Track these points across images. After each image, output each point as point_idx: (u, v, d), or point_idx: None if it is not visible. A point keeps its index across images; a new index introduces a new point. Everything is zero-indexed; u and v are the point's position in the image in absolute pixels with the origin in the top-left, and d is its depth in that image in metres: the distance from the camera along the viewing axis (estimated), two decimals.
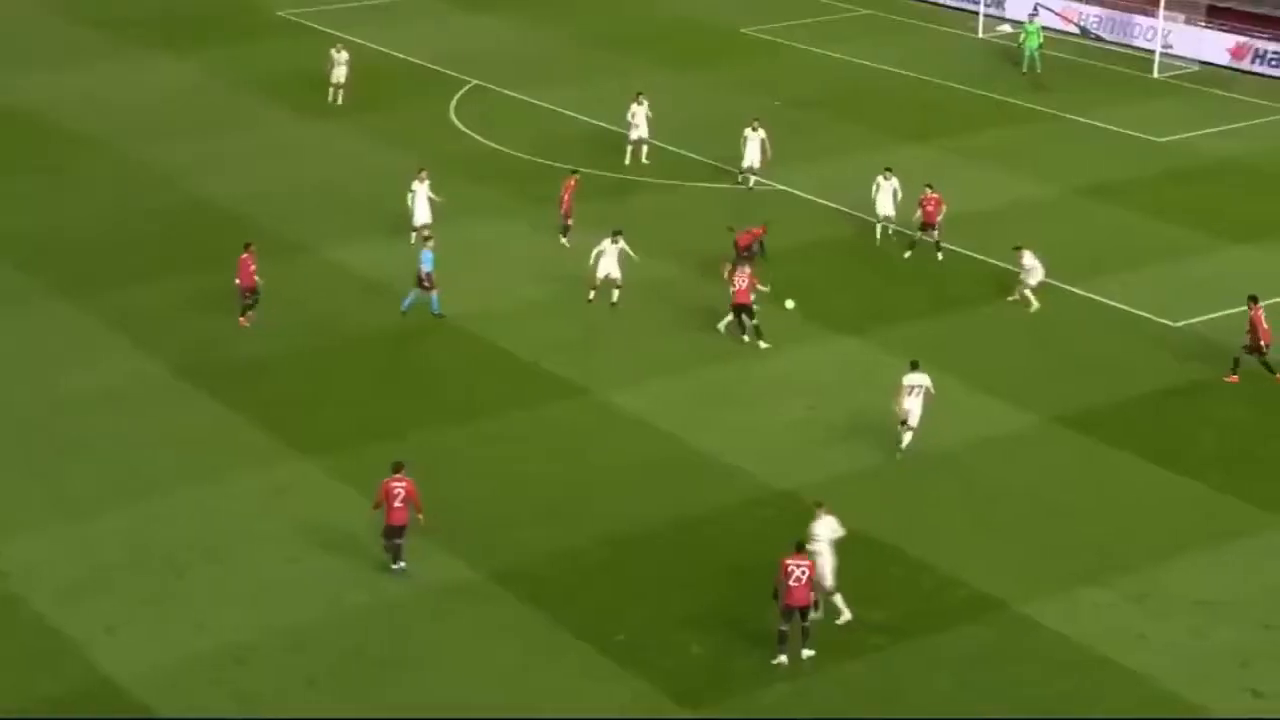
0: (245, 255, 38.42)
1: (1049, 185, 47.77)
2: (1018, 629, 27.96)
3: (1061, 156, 50.65)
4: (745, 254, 40.44)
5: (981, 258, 42.57)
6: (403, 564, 29.19)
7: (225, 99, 56.26)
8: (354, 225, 45.09)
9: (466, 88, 57.50)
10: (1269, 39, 59.96)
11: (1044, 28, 60.72)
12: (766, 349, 37.72)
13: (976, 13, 65.10)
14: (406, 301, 39.46)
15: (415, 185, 43.08)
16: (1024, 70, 58.60)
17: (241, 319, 38.45)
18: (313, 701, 26.27)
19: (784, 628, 26.99)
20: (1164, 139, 52.55)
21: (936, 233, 42.37)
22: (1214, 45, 60.41)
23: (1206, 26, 61.35)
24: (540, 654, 27.45)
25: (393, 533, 29.15)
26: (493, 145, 51.89)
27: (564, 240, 43.86)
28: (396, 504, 28.93)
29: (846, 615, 27.80)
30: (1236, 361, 36.23)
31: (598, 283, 39.93)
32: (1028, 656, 27.32)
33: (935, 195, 42.45)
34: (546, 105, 55.68)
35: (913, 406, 33.08)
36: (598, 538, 30.62)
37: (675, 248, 42.71)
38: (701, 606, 28.43)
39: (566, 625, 28.02)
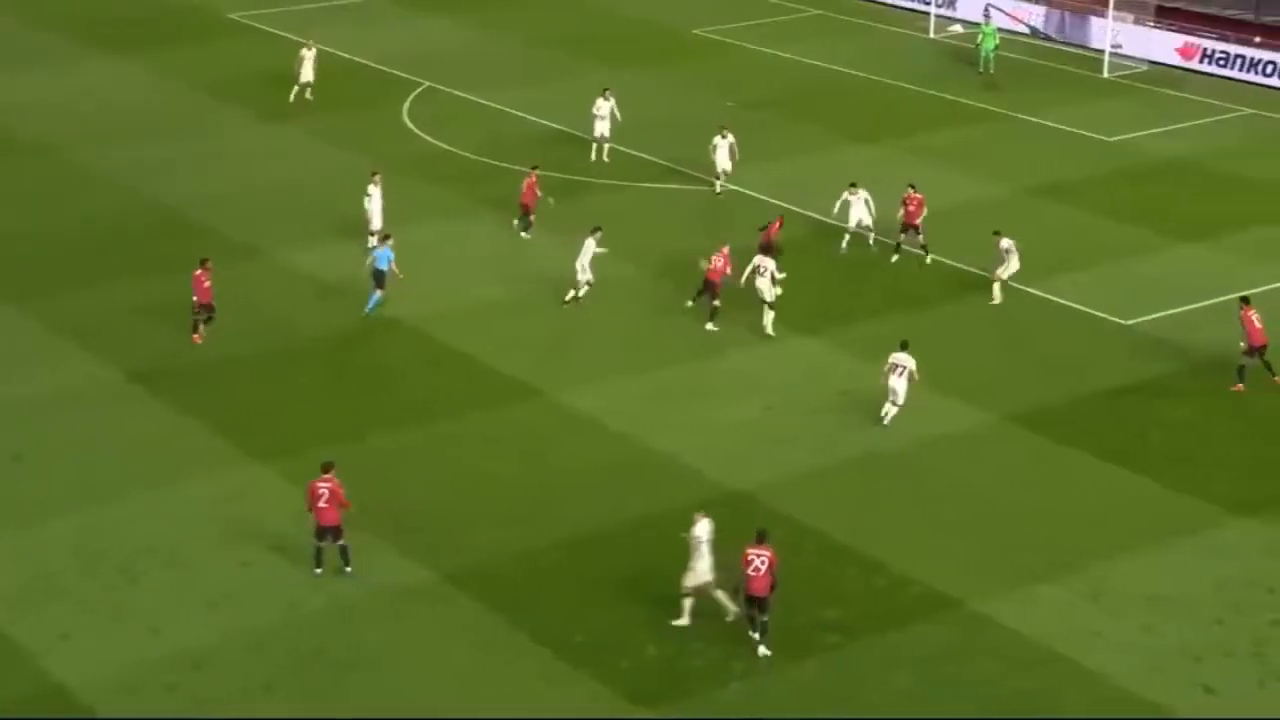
0: (200, 272, 38.10)
1: (1000, 185, 48.11)
2: (973, 627, 28.18)
3: (1013, 156, 51.01)
4: (769, 248, 40.31)
5: (935, 257, 42.82)
6: (349, 568, 29.13)
7: (175, 102, 56.05)
8: (308, 228, 45.00)
9: (419, 89, 57.46)
10: (1217, 38, 60.55)
11: (999, 29, 61.15)
12: (713, 331, 38.41)
13: (928, 13, 65.49)
14: (372, 303, 39.51)
15: (370, 188, 43.05)
16: (980, 70, 58.95)
17: (195, 335, 38.21)
18: (271, 706, 26.24)
19: (750, 613, 27.53)
20: (1114, 139, 52.99)
21: (920, 235, 42.45)
22: (1163, 45, 60.94)
23: (1155, 26, 61.89)
24: (497, 656, 27.50)
25: (320, 533, 29.14)
26: (445, 147, 51.88)
27: (524, 234, 44.23)
28: (320, 504, 28.95)
29: (732, 610, 27.83)
30: (1241, 370, 36.23)
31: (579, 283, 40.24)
32: (983, 654, 27.53)
33: (918, 196, 42.61)
34: (499, 106, 55.71)
35: (897, 385, 34.18)
36: (555, 539, 30.69)
37: (629, 248, 42.78)
38: (658, 608, 28.52)
39: (524, 627, 28.08)
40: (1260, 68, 58.66)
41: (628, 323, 39.85)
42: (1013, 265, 40.38)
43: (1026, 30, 64.17)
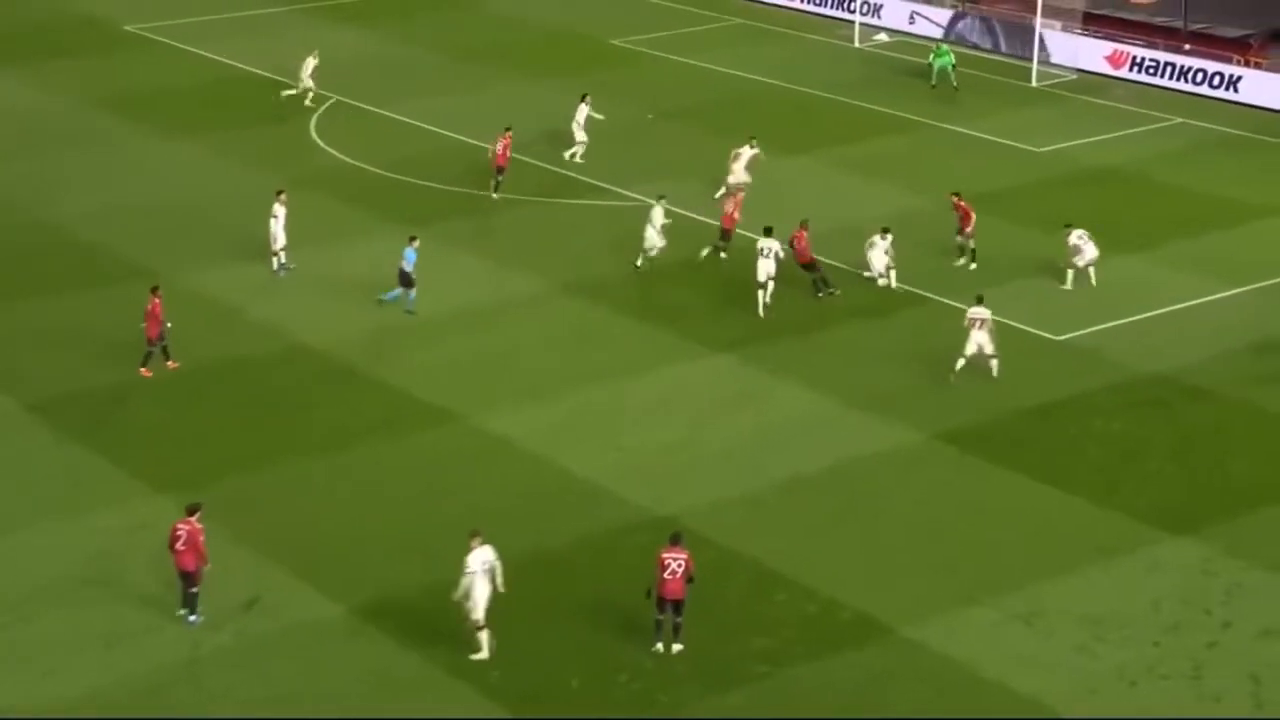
0: (157, 301, 37.47)
1: (927, 196, 48.41)
2: (904, 652, 28.28)
3: (939, 167, 51.37)
4: (808, 267, 41.49)
5: (861, 273, 43.01)
6: (195, 616, 28.58)
7: (70, 117, 55.53)
8: (210, 249, 44.66)
9: (327, 103, 57.20)
10: (1146, 46, 61.31)
11: (924, 37, 61.68)
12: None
13: (852, 22, 65.90)
14: (391, 295, 40.39)
15: (276, 207, 42.80)
16: (933, 84, 59.23)
17: (143, 369, 37.65)
18: None
19: (659, 617, 27.72)
20: (1043, 149, 53.51)
21: (971, 241, 43.46)
22: (1091, 53, 61.63)
23: (1084, 34, 62.58)
24: (411, 693, 27.28)
25: (181, 579, 28.58)
26: (355, 163, 51.67)
27: (494, 195, 47.49)
28: (178, 546, 28.33)
29: (484, 654, 27.65)
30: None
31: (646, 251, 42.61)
32: (914, 681, 27.61)
33: (965, 204, 43.53)
34: (411, 120, 55.56)
35: (982, 340, 36.68)
36: None
37: (544, 265, 42.75)
38: (580, 640, 28.44)
39: (438, 663, 27.90)
40: (1190, 76, 59.46)
41: (545, 343, 39.79)
42: (1089, 253, 41.79)
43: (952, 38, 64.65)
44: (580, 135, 51.21)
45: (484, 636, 27.72)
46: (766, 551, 31.07)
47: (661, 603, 27.75)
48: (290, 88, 56.32)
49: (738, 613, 29.25)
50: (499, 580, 27.91)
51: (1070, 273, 42.18)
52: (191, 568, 28.47)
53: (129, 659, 27.87)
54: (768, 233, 40.75)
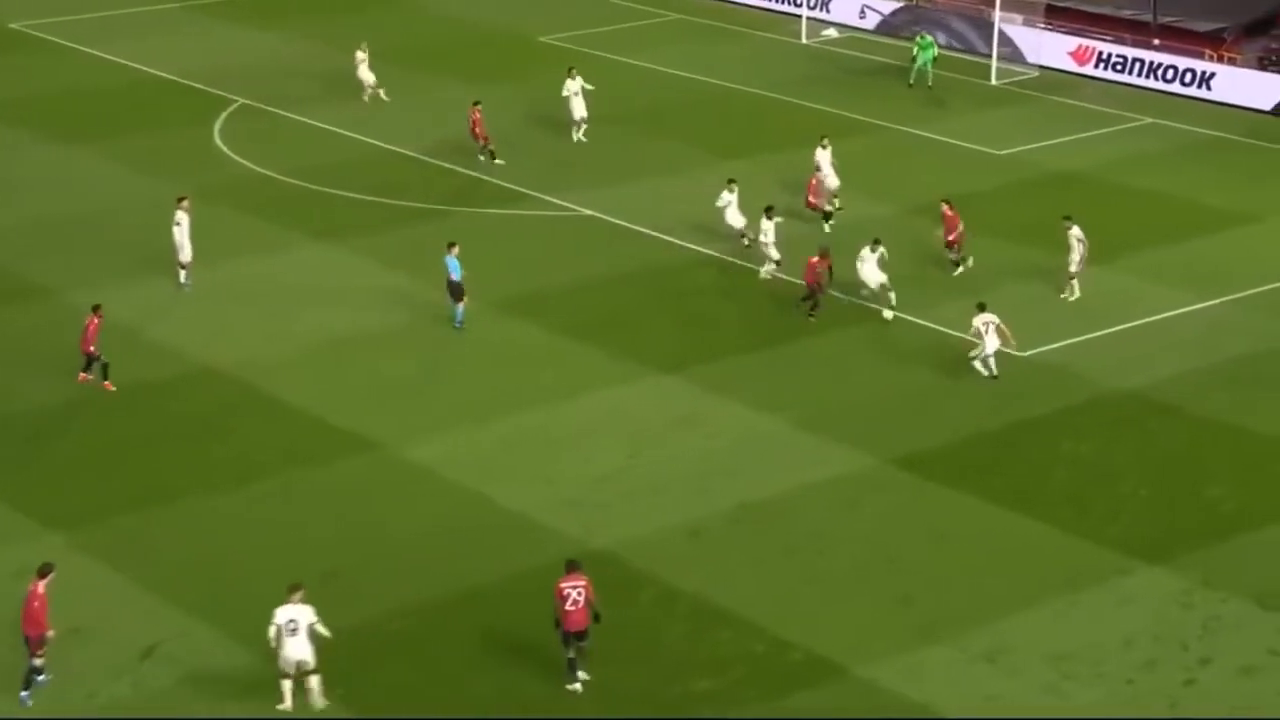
0: (97, 320, 37.56)
1: (881, 204, 48.66)
2: (858, 694, 28.31)
3: (894, 172, 51.67)
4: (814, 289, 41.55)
5: (847, 297, 43.04)
6: (43, 677, 27.97)
7: None
8: (105, 264, 44.41)
9: (232, 107, 57.02)
10: (1113, 41, 61.84)
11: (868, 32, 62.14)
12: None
13: (799, 17, 66.19)
14: (456, 315, 40.76)
15: (179, 215, 42.57)
16: (910, 83, 59.61)
17: (106, 383, 37.70)
18: None
19: (571, 655, 27.86)
20: (1003, 151, 53.89)
21: (957, 250, 43.94)
22: (1055, 49, 62.13)
23: (1046, 28, 63.08)
24: None
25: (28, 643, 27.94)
26: (264, 171, 51.49)
27: (496, 160, 50.72)
28: (32, 606, 27.66)
29: (286, 705, 27.48)
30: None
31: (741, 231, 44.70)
32: None
33: (954, 213, 43.89)
34: (324, 126, 55.43)
35: (994, 342, 38.14)
36: (391, 610, 30.40)
37: (470, 279, 42.56)
38: (507, 681, 28.37)
39: (357, 707, 27.77)
40: (1160, 73, 60.03)
41: (471, 364, 39.73)
42: (1075, 258, 42.39)
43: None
44: (580, 112, 53.05)
45: (287, 687, 27.26)
46: (710, 586, 31.07)
47: (566, 636, 27.83)
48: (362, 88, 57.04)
49: (679, 652, 29.24)
50: (310, 647, 27.23)
51: (1074, 281, 42.70)
52: (33, 633, 27.74)
53: (12, 708, 27.58)
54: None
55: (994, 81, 60.60)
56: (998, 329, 38.43)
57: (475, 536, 32.79)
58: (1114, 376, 39.05)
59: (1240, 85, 58.63)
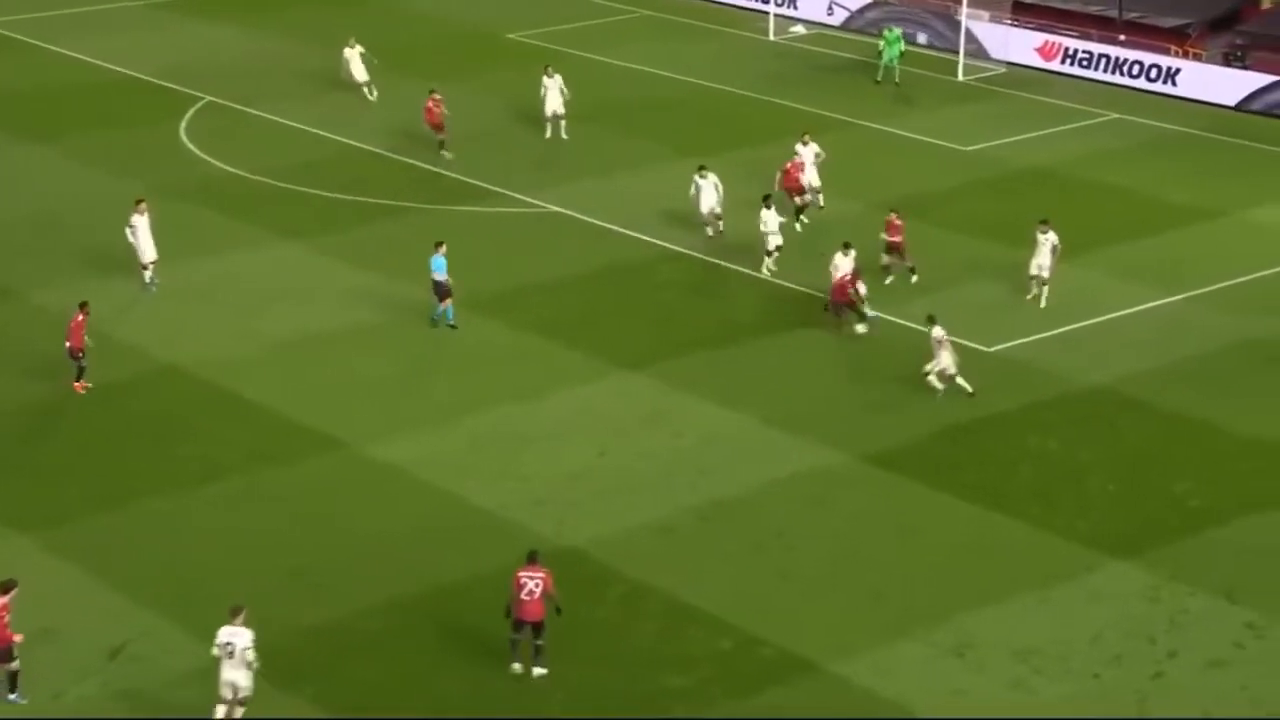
0: (81, 318, 37.26)
1: (850, 200, 48.68)
2: (829, 690, 28.36)
3: (862, 169, 51.71)
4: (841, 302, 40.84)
5: (778, 281, 43.20)
6: (14, 695, 27.83)
7: None
8: (70, 263, 44.23)
9: (199, 105, 56.83)
10: (1079, 37, 62.02)
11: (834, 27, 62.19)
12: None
13: (767, 13, 66.22)
14: (448, 314, 40.53)
15: (135, 219, 42.38)
16: (878, 80, 59.68)
17: (77, 384, 37.42)
18: None
19: (515, 637, 28.07)
20: (970, 147, 53.99)
21: (905, 258, 43.08)
22: (1021, 45, 62.28)
23: (1014, 25, 63.23)
24: None
25: None
26: (231, 169, 51.33)
27: (444, 153, 51.02)
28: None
29: None
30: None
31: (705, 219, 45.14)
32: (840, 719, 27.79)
33: (900, 221, 43.08)
34: (292, 123, 55.27)
35: (948, 358, 37.19)
36: (361, 608, 30.34)
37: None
38: (477, 679, 28.34)
39: (328, 707, 27.70)
40: (1126, 68, 60.22)
41: (440, 363, 39.66)
42: (1036, 258, 41.89)
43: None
44: (555, 108, 53.14)
45: (220, 711, 26.71)
46: (680, 583, 31.07)
47: (519, 624, 28.06)
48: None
49: (650, 650, 29.25)
50: (247, 672, 26.73)
51: (1044, 287, 41.95)
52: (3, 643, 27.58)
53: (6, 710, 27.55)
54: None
55: (961, 78, 60.72)
56: (948, 343, 37.70)
57: (445, 534, 32.74)
58: (1081, 372, 39.17)
59: (1205, 81, 58.84)
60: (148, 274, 42.57)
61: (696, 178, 45.47)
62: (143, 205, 42.68)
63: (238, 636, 26.71)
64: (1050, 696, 28.21)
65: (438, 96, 51.81)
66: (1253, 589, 30.94)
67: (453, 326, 40.59)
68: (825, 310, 41.02)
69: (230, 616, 26.94)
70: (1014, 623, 30.10)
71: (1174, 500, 34.05)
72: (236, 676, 26.63)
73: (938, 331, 37.64)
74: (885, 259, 43.33)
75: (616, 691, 28.09)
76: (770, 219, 43.44)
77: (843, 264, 41.36)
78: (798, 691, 28.34)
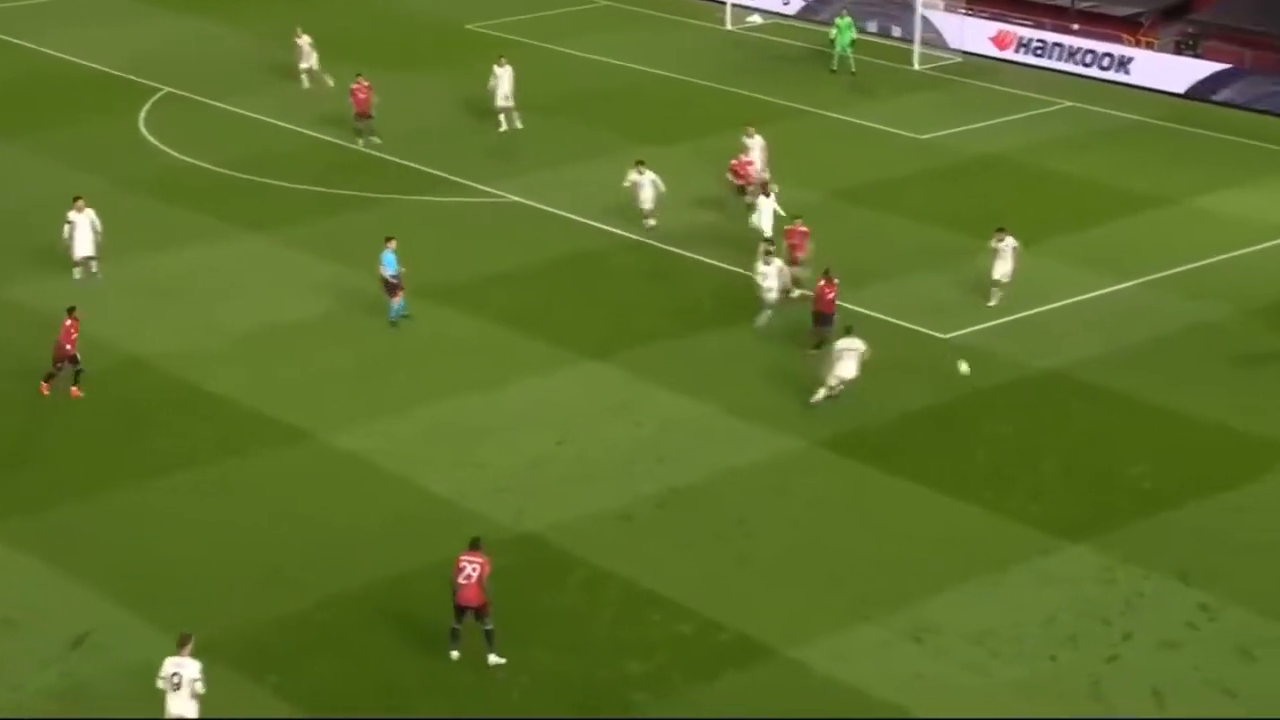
0: (70, 322, 36.86)
1: (806, 189, 48.65)
2: (787, 674, 28.39)
3: (818, 157, 51.75)
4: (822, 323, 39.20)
5: (735, 269, 43.16)
6: None
7: None
8: (29, 257, 43.90)
9: (158, 96, 56.51)
10: (1033, 26, 62.16)
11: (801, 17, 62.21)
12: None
13: (724, 3, 66.19)
14: (393, 312, 39.93)
15: (72, 215, 42.11)
16: (833, 69, 59.71)
17: (74, 389, 37.01)
18: None
19: (455, 626, 28.05)
20: (926, 136, 54.07)
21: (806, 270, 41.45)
22: (976, 34, 62.37)
23: (968, 14, 63.32)
24: None
25: None
26: (191, 161, 51.08)
27: (362, 139, 50.76)
28: None
29: None
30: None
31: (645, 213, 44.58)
32: (798, 704, 27.74)
33: (804, 229, 41.90)
34: (251, 114, 55.02)
35: (845, 371, 36.01)
36: (322, 599, 30.26)
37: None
38: (437, 668, 28.28)
39: (290, 698, 27.63)
40: (1079, 57, 60.38)
41: (401, 353, 39.55)
42: (1001, 265, 41.18)
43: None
44: (506, 99, 52.67)
45: None
46: (639, 570, 31.08)
47: (458, 610, 28.08)
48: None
49: (610, 636, 29.25)
50: (193, 704, 25.91)
51: (997, 290, 41.41)
52: None
53: None
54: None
55: (916, 66, 60.79)
56: (859, 357, 36.33)
57: (406, 523, 32.67)
58: (1034, 358, 39.28)
59: (1157, 69, 59.01)
60: (78, 271, 42.23)
61: (633, 174, 45.16)
62: (80, 202, 42.37)
63: (184, 667, 25.75)
64: (1006, 679, 28.31)
65: (365, 82, 51.46)
66: (1206, 570, 31.11)
67: (407, 317, 40.41)
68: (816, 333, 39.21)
69: (177, 646, 26.01)
70: (970, 606, 30.19)
71: (1128, 484, 34.19)
72: (181, 709, 25.72)
73: (849, 343, 36.45)
74: (792, 270, 41.11)
75: (577, 677, 28.08)
76: (765, 208, 42.69)
77: (769, 270, 40.33)
78: (756, 676, 28.38)
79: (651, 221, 45.22)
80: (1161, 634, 29.38)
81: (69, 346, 36.83)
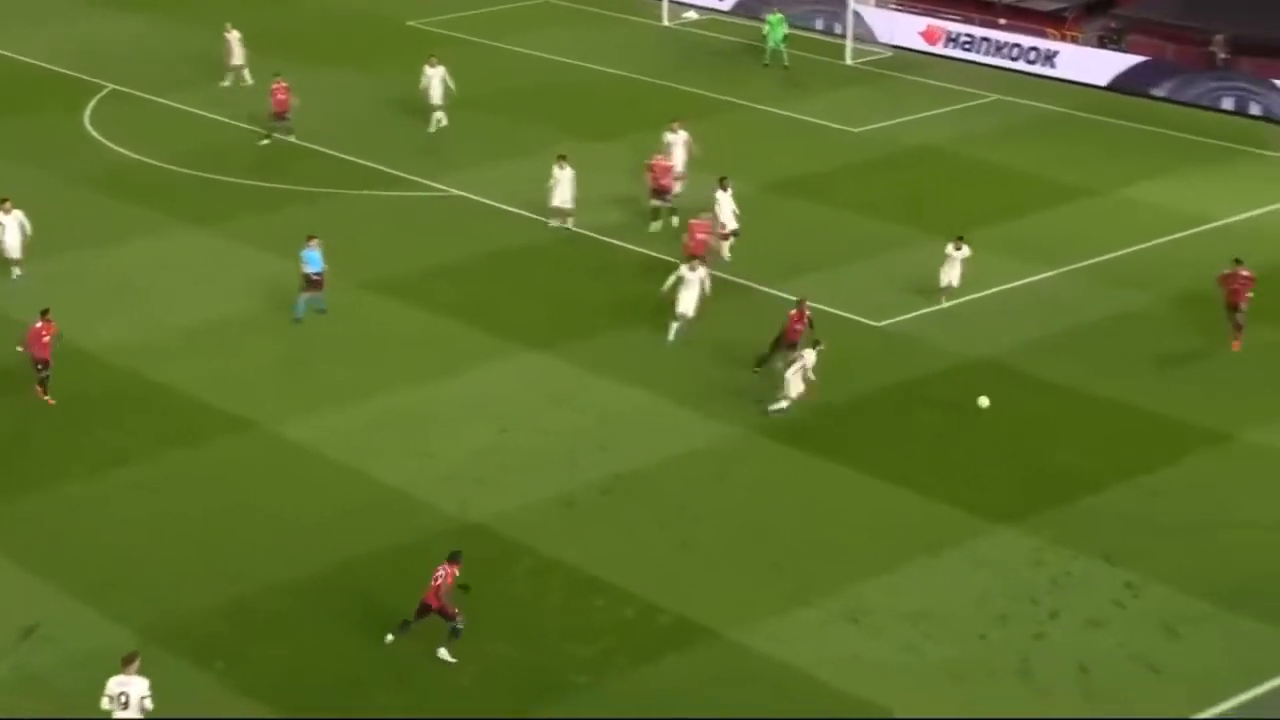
0: (41, 325, 36.43)
1: (741, 181, 48.70)
2: (728, 656, 28.59)
3: (753, 150, 51.94)
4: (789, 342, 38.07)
5: (671, 259, 43.26)
6: None
7: None
8: None
9: (102, 93, 56.19)
10: (960, 21, 62.56)
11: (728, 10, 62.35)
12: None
13: (660, 0, 66.31)
14: (300, 307, 39.68)
15: (1, 218, 41.84)
16: (765, 64, 59.92)
17: (45, 396, 36.55)
18: None
19: (410, 620, 28.07)
20: (859, 129, 54.35)
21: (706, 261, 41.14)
22: (906, 29, 62.73)
23: (898, 10, 63.67)
24: (206, 714, 26.95)
25: None
26: (137, 157, 50.84)
27: (270, 138, 50.75)
28: None
29: None
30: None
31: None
32: (739, 684, 27.92)
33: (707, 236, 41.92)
34: (195, 110, 54.79)
35: (793, 379, 35.65)
36: (269, 587, 30.25)
37: (341, 260, 42.30)
38: (382, 653, 28.33)
39: (238, 686, 27.63)
40: (1006, 51, 60.80)
41: (345, 344, 39.53)
42: (952, 270, 40.97)
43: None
44: (436, 101, 52.26)
45: None
46: (584, 556, 31.22)
47: (420, 608, 28.10)
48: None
49: (555, 621, 29.38)
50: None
51: (944, 295, 41.32)
52: None
53: None
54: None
55: (849, 61, 61.08)
56: (804, 372, 36.08)
57: (353, 512, 32.68)
58: (964, 345, 39.61)
59: (1081, 63, 59.52)
60: (16, 272, 41.98)
61: (556, 169, 44.94)
62: (7, 204, 42.06)
63: (130, 685, 25.18)
64: (938, 658, 28.60)
65: (284, 82, 51.27)
66: (1130, 551, 31.51)
67: (321, 311, 40.24)
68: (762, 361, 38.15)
69: (122, 665, 25.44)
70: (905, 588, 30.48)
71: (1057, 468, 34.55)
72: None
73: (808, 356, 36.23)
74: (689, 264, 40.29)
75: (525, 663, 28.20)
76: (725, 200, 42.81)
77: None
78: (698, 658, 28.56)
79: (558, 221, 45.01)
80: (1088, 612, 29.74)
81: (39, 349, 36.32)
